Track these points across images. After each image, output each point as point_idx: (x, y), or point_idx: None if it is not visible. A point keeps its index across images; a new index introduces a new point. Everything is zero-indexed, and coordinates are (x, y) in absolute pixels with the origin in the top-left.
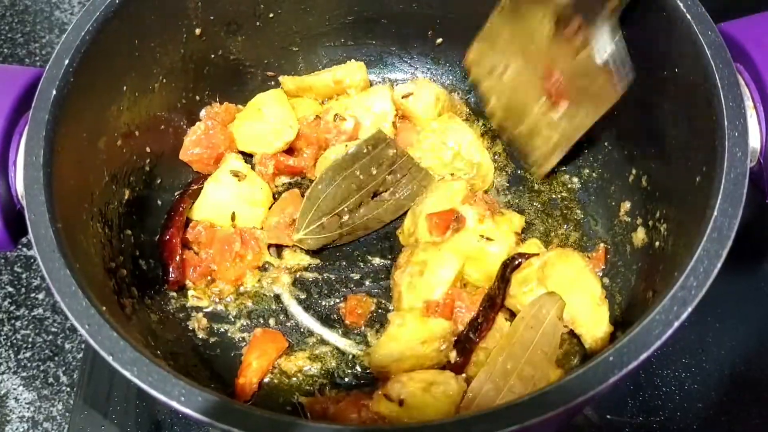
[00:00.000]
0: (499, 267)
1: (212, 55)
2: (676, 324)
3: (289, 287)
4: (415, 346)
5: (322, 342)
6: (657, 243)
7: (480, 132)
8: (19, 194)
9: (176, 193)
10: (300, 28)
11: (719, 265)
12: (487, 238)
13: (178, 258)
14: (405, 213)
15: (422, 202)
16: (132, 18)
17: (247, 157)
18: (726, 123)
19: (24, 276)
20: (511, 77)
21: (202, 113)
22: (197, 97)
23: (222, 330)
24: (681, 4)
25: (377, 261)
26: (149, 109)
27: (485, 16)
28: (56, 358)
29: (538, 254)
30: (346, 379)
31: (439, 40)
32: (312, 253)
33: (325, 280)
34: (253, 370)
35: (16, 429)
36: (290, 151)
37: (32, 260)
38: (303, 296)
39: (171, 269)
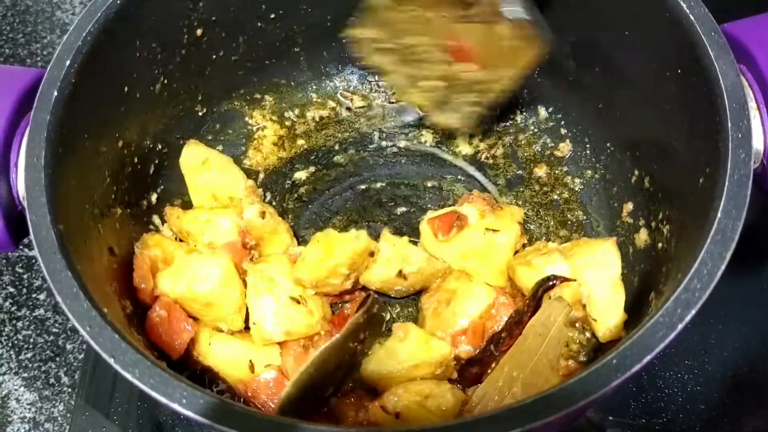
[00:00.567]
0: (533, 285)
1: (214, 56)
2: (680, 327)
3: None
4: (408, 368)
5: None
6: (660, 245)
7: (480, 132)
8: (20, 196)
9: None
10: (302, 28)
11: (723, 268)
12: (493, 230)
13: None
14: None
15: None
16: (133, 18)
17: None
18: (729, 125)
19: (25, 276)
20: (409, 48)
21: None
22: (199, 98)
23: None
24: (684, 5)
25: None
26: (151, 110)
27: None
28: (57, 359)
29: (575, 279)
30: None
31: None
32: None
33: None
34: None
35: (18, 430)
36: None
37: (34, 261)
38: None
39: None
